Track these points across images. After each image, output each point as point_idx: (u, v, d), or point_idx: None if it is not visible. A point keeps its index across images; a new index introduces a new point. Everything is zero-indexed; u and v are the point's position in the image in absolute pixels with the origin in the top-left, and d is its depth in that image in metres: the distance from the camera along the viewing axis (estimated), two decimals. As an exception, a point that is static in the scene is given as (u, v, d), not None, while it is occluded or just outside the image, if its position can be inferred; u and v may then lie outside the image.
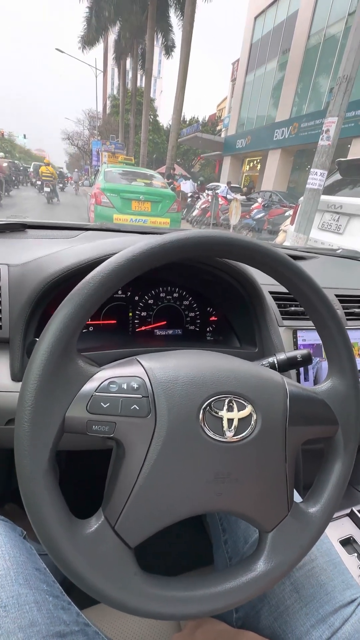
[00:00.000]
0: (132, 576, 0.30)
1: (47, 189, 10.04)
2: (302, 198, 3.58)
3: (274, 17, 13.86)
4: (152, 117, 28.66)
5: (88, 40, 18.99)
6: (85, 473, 1.02)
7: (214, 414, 0.31)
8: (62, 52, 20.09)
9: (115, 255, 0.31)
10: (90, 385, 0.30)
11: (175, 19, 16.47)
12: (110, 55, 25.02)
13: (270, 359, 0.49)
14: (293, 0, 12.45)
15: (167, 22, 16.92)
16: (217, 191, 8.88)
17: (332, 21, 10.53)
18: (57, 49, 20.30)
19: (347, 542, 0.64)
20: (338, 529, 0.65)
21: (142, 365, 0.32)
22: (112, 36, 22.13)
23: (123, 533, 0.30)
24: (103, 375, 0.31)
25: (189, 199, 10.74)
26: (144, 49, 18.03)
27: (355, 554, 0.62)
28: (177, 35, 16.19)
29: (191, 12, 11.81)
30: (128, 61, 23.77)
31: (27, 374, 0.28)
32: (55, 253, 0.57)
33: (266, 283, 0.67)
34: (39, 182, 9.72)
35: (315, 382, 0.73)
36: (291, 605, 0.44)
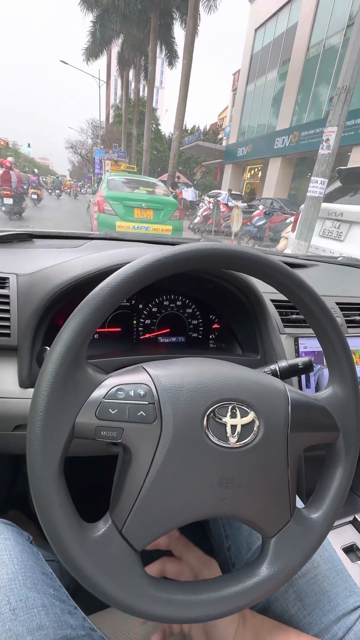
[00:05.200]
0: (139, 579, 0.31)
1: (33, 197, 11.73)
2: (303, 205, 3.61)
3: (274, 29, 14.13)
4: (154, 126, 29.10)
5: (92, 53, 19.38)
6: (85, 480, 1.02)
7: (218, 420, 0.32)
8: (66, 63, 20.54)
9: (124, 267, 0.32)
10: (98, 392, 0.31)
11: (177, 31, 16.86)
12: (114, 67, 25.57)
13: (272, 366, 0.50)
14: (292, 13, 12.71)
15: (170, 34, 17.25)
16: (218, 198, 8.97)
17: (331, 32, 10.73)
18: (61, 61, 20.78)
19: (350, 550, 0.64)
20: (341, 536, 0.65)
21: (148, 373, 0.33)
22: (116, 48, 22.63)
23: (129, 536, 0.30)
24: (111, 382, 0.32)
25: (189, 207, 10.88)
26: (147, 60, 18.38)
27: (359, 562, 0.62)
28: (180, 46, 16.57)
29: (193, 24, 12.06)
30: (131, 72, 24.23)
31: (39, 380, 0.30)
32: (62, 263, 0.58)
33: (267, 291, 0.68)
34: (33, 194, 11.28)
35: (317, 389, 0.74)
36: (295, 614, 0.44)
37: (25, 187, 9.94)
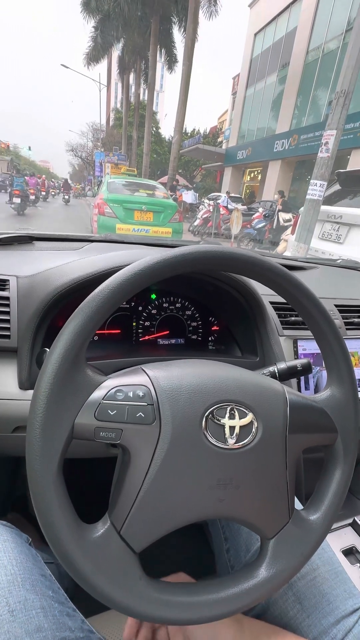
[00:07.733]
0: (137, 580, 0.31)
1: (53, 194, 21.73)
2: (302, 208, 3.63)
3: (273, 34, 14.25)
4: (154, 129, 29.29)
5: (93, 57, 19.49)
6: (85, 481, 1.02)
7: (216, 421, 0.32)
8: (67, 67, 20.69)
9: (123, 270, 0.32)
10: (98, 394, 0.31)
11: (177, 35, 17.01)
12: (114, 70, 25.79)
13: (271, 368, 0.50)
14: (292, 17, 12.82)
15: (170, 39, 17.37)
16: (218, 201, 9.00)
17: (330, 37, 10.81)
18: (62, 65, 20.93)
19: (349, 552, 0.63)
20: (340, 538, 0.64)
21: (147, 374, 0.34)
22: (116, 52, 22.82)
23: (128, 538, 0.30)
24: (110, 383, 0.32)
25: (189, 210, 10.93)
26: (147, 64, 18.51)
27: (358, 564, 0.61)
28: (180, 50, 16.70)
29: (193, 29, 12.15)
30: (131, 76, 24.39)
31: (38, 382, 0.30)
32: (62, 265, 0.59)
33: (266, 293, 0.68)
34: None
35: (316, 390, 0.74)
36: (294, 616, 0.44)
37: (49, 189, 19.90)
